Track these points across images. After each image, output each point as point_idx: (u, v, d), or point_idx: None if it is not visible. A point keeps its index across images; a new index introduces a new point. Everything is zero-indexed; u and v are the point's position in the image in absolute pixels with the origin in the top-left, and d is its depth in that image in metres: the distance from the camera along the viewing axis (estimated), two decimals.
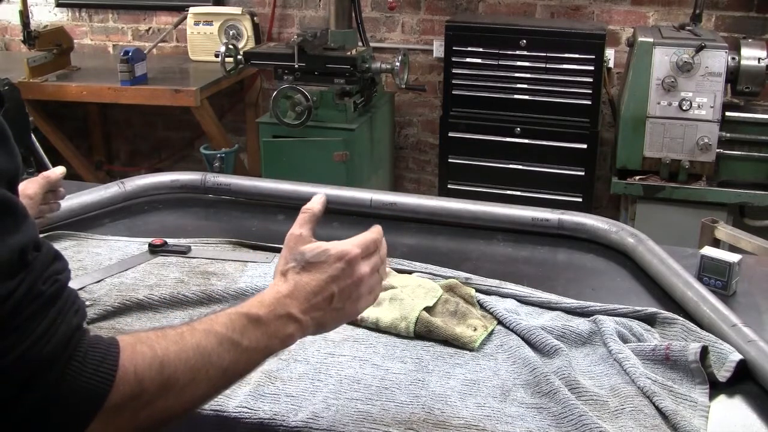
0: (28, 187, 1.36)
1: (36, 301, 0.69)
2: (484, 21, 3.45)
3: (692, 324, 1.23)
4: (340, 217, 1.73)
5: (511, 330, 1.23)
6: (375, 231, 1.00)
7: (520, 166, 3.29)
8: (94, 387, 0.71)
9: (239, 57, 3.19)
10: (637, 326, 1.24)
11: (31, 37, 3.35)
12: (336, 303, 0.92)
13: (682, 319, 1.24)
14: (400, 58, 3.17)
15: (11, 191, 0.71)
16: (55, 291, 0.72)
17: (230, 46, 3.20)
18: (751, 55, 2.89)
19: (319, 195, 1.05)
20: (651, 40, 2.88)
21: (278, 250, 1.52)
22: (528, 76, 3.20)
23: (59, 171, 1.43)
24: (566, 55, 3.14)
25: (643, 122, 2.91)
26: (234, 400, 1.06)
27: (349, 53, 3.20)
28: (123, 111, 4.26)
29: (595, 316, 1.26)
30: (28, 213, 0.73)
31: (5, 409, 0.68)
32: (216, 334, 0.82)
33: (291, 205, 1.78)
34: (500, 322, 1.25)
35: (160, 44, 4.07)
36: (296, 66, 3.03)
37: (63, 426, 0.70)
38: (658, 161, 2.94)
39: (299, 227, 0.99)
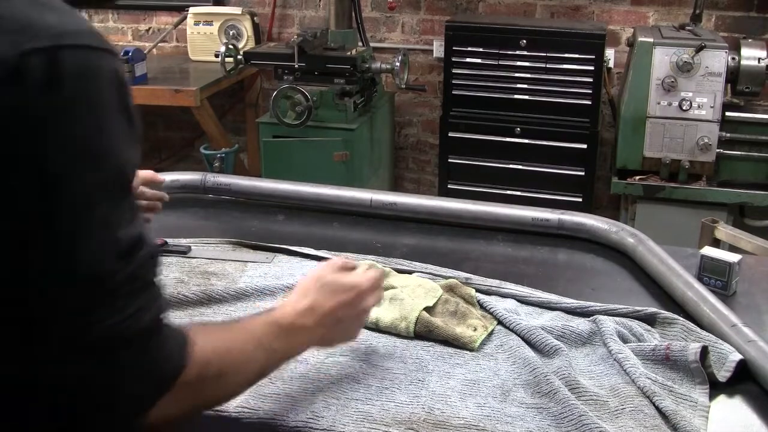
0: None
1: (137, 282, 0.75)
2: (484, 21, 3.44)
3: (692, 324, 1.23)
4: (340, 217, 1.73)
5: (511, 330, 1.23)
6: (381, 271, 1.15)
7: (520, 166, 3.29)
8: (172, 364, 0.79)
9: (239, 57, 3.19)
10: (637, 326, 1.24)
11: None
12: (339, 326, 1.05)
13: (682, 319, 1.24)
14: (400, 58, 3.17)
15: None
16: (152, 278, 0.78)
17: (230, 46, 3.20)
18: (751, 55, 2.89)
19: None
20: (651, 40, 2.88)
21: (278, 250, 1.53)
22: (528, 76, 3.20)
23: (160, 177, 1.54)
24: (566, 55, 3.13)
25: (643, 122, 2.91)
26: (234, 400, 1.06)
27: (349, 53, 3.20)
28: None
29: (595, 316, 1.26)
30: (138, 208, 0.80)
31: (90, 378, 0.73)
32: (254, 335, 0.93)
33: (291, 205, 1.79)
34: (500, 322, 1.25)
35: (160, 44, 4.07)
36: (296, 66, 3.03)
37: (139, 397, 0.77)
38: (658, 161, 2.93)
39: (331, 261, 1.12)
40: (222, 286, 1.37)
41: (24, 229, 0.67)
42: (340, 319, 1.04)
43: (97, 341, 0.72)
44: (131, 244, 0.74)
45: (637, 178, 2.97)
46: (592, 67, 3.12)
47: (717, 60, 2.82)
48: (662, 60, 2.85)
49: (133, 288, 0.74)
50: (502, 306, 1.29)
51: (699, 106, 2.85)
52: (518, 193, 3.25)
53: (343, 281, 1.05)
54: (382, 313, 1.25)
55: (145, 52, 3.55)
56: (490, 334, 1.23)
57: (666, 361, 1.14)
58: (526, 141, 3.25)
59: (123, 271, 0.73)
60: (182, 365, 0.79)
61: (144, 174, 1.46)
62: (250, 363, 0.91)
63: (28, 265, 0.68)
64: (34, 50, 0.62)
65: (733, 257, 1.38)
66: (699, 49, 2.80)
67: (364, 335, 1.23)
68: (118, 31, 4.25)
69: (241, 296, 1.34)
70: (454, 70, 3.27)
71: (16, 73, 0.62)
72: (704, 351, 1.12)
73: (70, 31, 0.65)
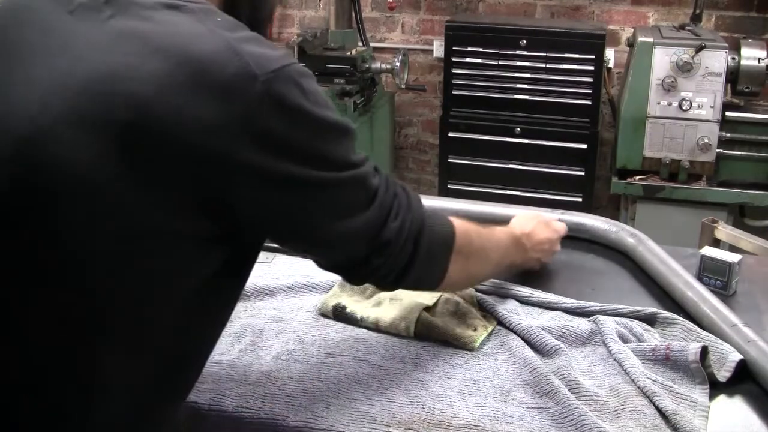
0: None
1: (391, 187, 0.97)
2: (484, 21, 3.45)
3: (692, 324, 1.23)
4: None
5: (511, 330, 1.23)
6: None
7: (520, 166, 3.29)
8: (446, 234, 1.05)
9: None
10: (637, 326, 1.24)
11: None
12: (538, 255, 1.36)
13: (682, 319, 1.24)
14: (400, 58, 3.17)
15: None
16: (396, 182, 1.00)
17: None
18: (751, 55, 2.89)
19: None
20: (651, 40, 2.88)
21: (278, 250, 1.53)
22: (528, 76, 3.20)
23: None
24: (566, 55, 3.14)
25: (643, 122, 2.91)
26: (234, 400, 1.06)
27: (349, 53, 3.20)
28: None
29: (595, 316, 1.26)
30: None
31: (410, 257, 0.98)
32: (495, 234, 1.21)
33: None
34: (500, 322, 1.25)
35: None
36: None
37: (443, 264, 1.05)
38: (658, 161, 2.93)
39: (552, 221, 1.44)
40: None
41: (319, 187, 0.89)
42: (543, 250, 1.36)
43: (403, 244, 0.97)
44: (374, 166, 0.96)
45: (637, 178, 2.97)
46: (592, 67, 3.12)
47: (717, 60, 2.82)
48: (662, 60, 2.85)
49: (395, 195, 0.97)
50: (502, 306, 1.29)
51: (699, 106, 2.85)
52: (518, 193, 3.25)
53: (554, 224, 1.40)
54: (382, 313, 1.25)
55: None
56: (490, 334, 1.23)
57: (666, 361, 1.14)
58: (526, 141, 3.25)
59: (382, 186, 0.95)
60: (454, 235, 1.05)
61: None
62: (495, 250, 1.19)
63: (335, 207, 0.92)
64: (275, 70, 0.83)
65: (733, 257, 1.38)
66: (699, 49, 2.80)
67: (364, 335, 1.23)
68: None
69: (240, 296, 1.33)
70: (454, 70, 3.27)
71: (269, 88, 0.83)
72: (704, 351, 1.12)
73: (281, 55, 0.88)
